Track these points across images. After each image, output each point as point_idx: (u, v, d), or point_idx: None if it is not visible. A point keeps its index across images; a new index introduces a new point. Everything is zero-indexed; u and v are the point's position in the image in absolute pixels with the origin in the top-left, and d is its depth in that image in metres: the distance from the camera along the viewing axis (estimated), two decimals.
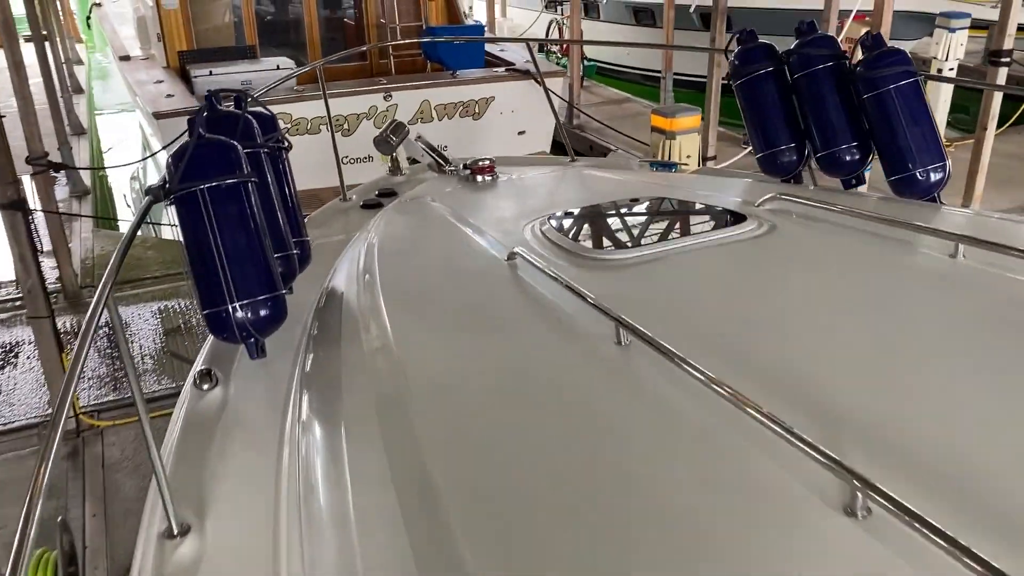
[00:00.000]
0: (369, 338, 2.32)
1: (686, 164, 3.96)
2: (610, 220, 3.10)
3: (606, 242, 2.92)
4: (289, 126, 7.49)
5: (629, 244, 2.81)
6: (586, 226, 3.03)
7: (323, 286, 2.77)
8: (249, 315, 2.18)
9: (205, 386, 2.19)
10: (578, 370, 1.95)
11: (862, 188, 3.37)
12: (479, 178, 3.75)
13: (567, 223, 2.98)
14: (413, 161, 4.49)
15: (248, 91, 2.58)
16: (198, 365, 2.31)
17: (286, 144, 2.70)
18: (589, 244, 2.79)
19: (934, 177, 3.13)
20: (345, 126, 7.79)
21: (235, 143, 2.23)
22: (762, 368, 1.83)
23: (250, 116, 2.47)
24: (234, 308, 2.16)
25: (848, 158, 3.30)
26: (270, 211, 2.43)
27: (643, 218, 3.13)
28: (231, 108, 2.49)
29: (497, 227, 2.94)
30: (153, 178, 9.54)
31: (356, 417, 1.96)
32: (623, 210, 3.15)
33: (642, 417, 1.73)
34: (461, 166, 3.88)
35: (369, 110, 7.91)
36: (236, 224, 2.17)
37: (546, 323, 2.21)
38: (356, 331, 2.38)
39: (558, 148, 9.26)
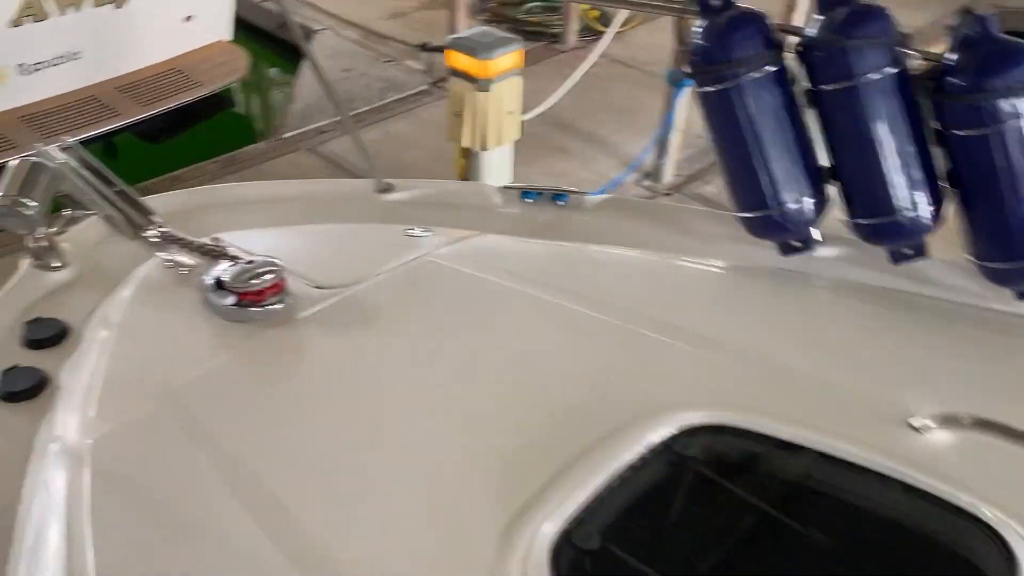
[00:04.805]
0: None
1: (578, 191, 2.35)
2: None
3: None
4: None
5: None
6: None
7: None
8: None
9: None
10: None
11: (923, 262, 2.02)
12: (254, 309, 1.81)
13: None
14: (70, 206, 2.30)
15: None
16: None
17: None
18: None
19: None
20: None
21: None
22: None
23: None
24: None
25: (909, 222, 1.93)
26: None
27: None
28: None
29: None
30: None
31: None
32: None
33: None
34: (211, 282, 1.85)
35: None
36: None
37: None
38: None
39: (246, 33, 6.84)
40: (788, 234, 2.05)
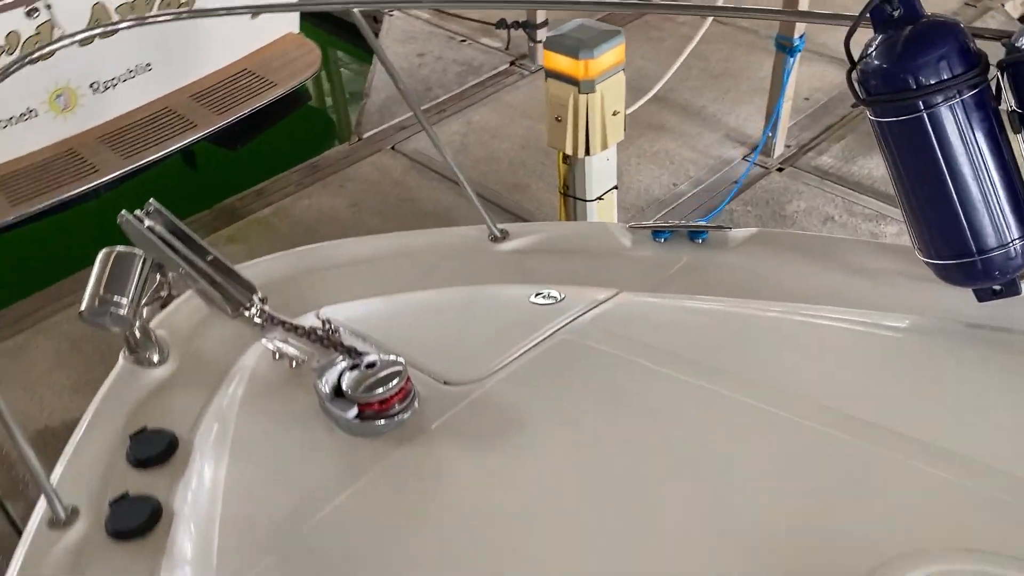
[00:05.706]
0: None
1: (718, 226, 2.03)
2: None
3: None
4: None
5: None
6: None
7: None
8: None
9: None
10: None
11: None
12: (380, 423, 1.58)
13: None
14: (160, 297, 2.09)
15: None
16: None
17: None
18: None
19: None
20: None
21: None
22: None
23: None
24: None
25: None
26: None
27: None
28: None
29: None
30: None
31: None
32: None
33: None
34: (328, 390, 1.60)
35: (7, 39, 4.88)
36: None
37: None
38: None
39: (312, 22, 6.60)
40: (991, 281, 1.69)
